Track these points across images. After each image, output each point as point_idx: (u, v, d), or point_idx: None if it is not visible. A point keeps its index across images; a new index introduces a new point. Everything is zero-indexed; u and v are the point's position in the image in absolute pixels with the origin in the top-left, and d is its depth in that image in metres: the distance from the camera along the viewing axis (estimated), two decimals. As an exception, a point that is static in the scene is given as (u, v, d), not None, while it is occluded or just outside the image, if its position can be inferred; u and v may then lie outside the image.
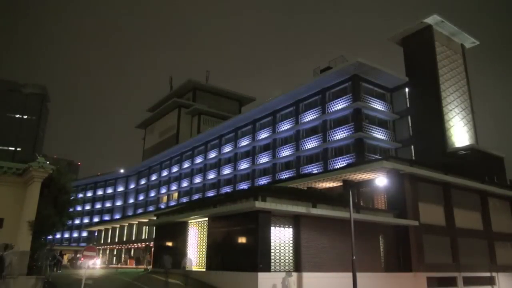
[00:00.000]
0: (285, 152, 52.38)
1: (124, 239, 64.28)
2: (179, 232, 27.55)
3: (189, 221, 26.83)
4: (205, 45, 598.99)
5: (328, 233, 22.24)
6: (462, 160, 39.97)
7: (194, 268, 24.80)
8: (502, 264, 32.56)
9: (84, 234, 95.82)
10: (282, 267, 20.63)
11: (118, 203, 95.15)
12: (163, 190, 79.80)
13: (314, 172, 44.06)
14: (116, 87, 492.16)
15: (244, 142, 60.48)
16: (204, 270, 23.64)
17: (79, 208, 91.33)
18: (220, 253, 22.38)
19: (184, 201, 67.43)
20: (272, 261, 20.24)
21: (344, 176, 29.32)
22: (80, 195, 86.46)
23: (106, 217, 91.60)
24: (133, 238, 61.96)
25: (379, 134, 45.19)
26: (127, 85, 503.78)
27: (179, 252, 27.07)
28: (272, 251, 20.34)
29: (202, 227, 25.76)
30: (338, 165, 42.91)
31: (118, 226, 67.86)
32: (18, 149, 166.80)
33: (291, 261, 21.04)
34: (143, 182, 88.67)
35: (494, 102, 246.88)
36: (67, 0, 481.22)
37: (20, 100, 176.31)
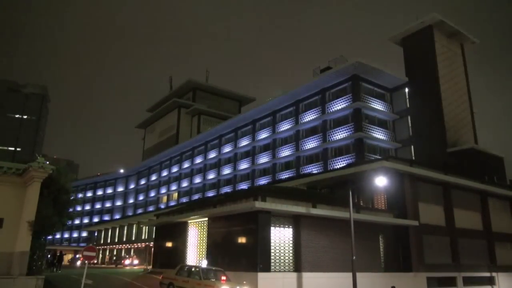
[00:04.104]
0: (285, 152, 52.39)
1: (124, 239, 64.31)
2: (179, 232, 27.55)
3: (189, 221, 26.83)
4: (205, 45, 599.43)
5: (328, 233, 22.24)
6: (462, 160, 39.94)
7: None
8: (502, 264, 32.55)
9: (84, 234, 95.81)
10: (282, 267, 20.64)
11: (118, 203, 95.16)
12: (163, 190, 79.82)
13: (314, 172, 44.08)
14: (116, 87, 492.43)
15: (244, 142, 60.50)
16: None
17: (79, 208, 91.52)
18: (220, 253, 22.37)
19: (184, 201, 67.45)
20: (272, 261, 20.24)
21: (344, 176, 29.31)
22: (80, 195, 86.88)
23: (106, 217, 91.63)
24: (133, 238, 61.99)
25: (379, 134, 45.20)
26: (127, 85, 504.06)
27: (179, 252, 27.09)
28: (272, 251, 20.35)
29: (202, 227, 25.76)
30: (338, 165, 42.91)
31: (118, 226, 67.87)
32: (18, 149, 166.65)
33: (291, 261, 21.04)
34: (143, 182, 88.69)
35: (494, 102, 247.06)
36: (67, 0, 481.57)
37: (20, 100, 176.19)
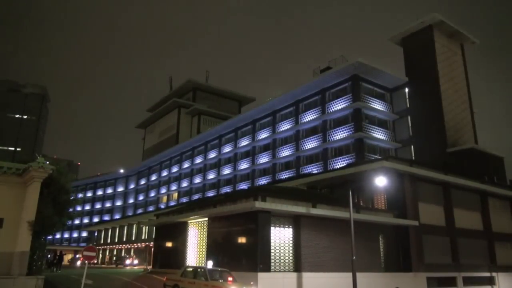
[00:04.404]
0: (285, 152, 52.38)
1: (124, 239, 64.29)
2: (179, 232, 27.55)
3: (189, 221, 26.83)
4: (205, 45, 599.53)
5: (328, 233, 22.23)
6: (462, 160, 39.94)
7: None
8: (502, 264, 32.55)
9: (84, 234, 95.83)
10: (282, 267, 20.63)
11: (118, 203, 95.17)
12: (163, 190, 79.81)
13: (314, 172, 44.05)
14: (116, 87, 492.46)
15: (244, 142, 60.48)
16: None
17: (79, 208, 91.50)
18: (220, 253, 22.36)
19: (184, 201, 67.43)
20: (272, 261, 20.24)
21: (344, 176, 29.29)
22: (80, 195, 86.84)
23: (106, 217, 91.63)
24: (133, 238, 61.98)
25: (379, 134, 45.19)
26: (127, 85, 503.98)
27: (179, 252, 27.09)
28: (272, 251, 20.34)
29: (202, 227, 25.76)
30: (338, 165, 42.89)
31: (118, 226, 67.85)
32: (18, 149, 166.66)
33: (291, 261, 21.04)
34: (143, 182, 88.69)
35: (494, 102, 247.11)
36: (67, 0, 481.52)
37: (20, 100, 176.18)
